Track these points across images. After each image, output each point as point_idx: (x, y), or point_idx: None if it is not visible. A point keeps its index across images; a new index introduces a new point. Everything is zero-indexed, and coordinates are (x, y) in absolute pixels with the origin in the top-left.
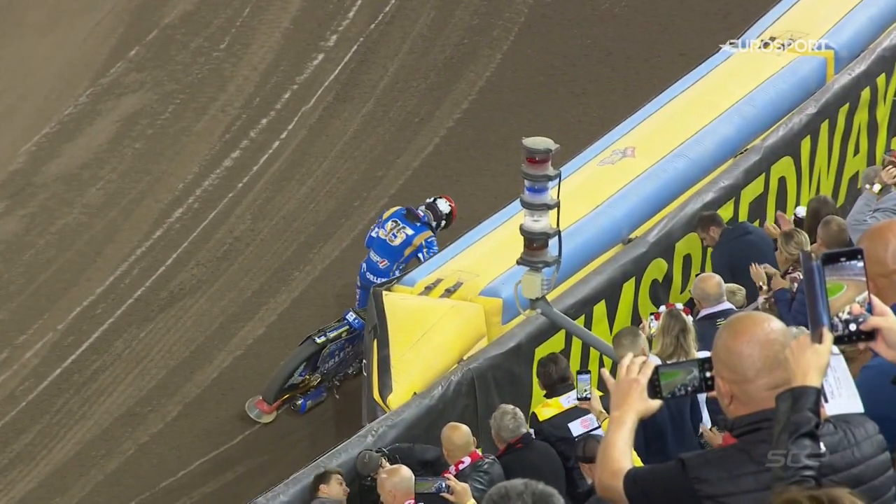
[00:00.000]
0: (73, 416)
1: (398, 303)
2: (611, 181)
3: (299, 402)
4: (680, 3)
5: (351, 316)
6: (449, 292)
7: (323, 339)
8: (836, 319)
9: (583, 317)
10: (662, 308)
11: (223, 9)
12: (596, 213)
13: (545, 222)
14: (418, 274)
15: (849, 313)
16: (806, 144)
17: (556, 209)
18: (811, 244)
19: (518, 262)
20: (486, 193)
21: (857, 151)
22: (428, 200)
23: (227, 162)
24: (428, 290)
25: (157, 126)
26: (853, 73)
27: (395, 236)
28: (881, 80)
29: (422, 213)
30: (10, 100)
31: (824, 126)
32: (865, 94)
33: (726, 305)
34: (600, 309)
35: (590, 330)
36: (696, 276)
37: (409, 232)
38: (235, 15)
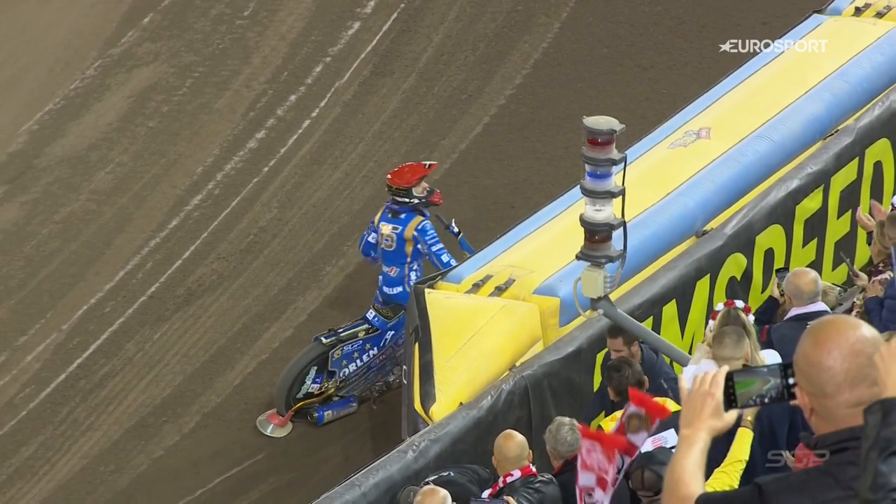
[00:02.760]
0: (80, 426)
1: (442, 302)
2: (683, 166)
3: (315, 413)
4: None
5: (371, 314)
6: (499, 290)
7: (332, 338)
8: None
9: (650, 318)
10: (720, 306)
11: None
12: (666, 201)
13: (608, 212)
14: (465, 270)
15: None
16: None
17: (620, 197)
18: None
19: (577, 257)
20: (541, 179)
21: None
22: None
23: (252, 143)
24: (476, 287)
25: (173, 102)
26: None
27: (388, 240)
28: None
29: (402, 201)
30: (10, 72)
31: None
32: None
33: (820, 306)
34: (670, 310)
35: (658, 333)
36: (777, 270)
37: (397, 229)
38: None
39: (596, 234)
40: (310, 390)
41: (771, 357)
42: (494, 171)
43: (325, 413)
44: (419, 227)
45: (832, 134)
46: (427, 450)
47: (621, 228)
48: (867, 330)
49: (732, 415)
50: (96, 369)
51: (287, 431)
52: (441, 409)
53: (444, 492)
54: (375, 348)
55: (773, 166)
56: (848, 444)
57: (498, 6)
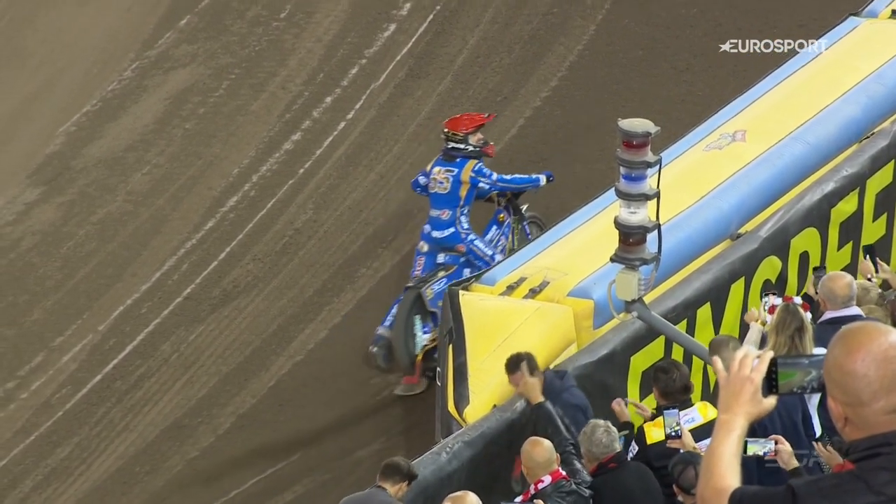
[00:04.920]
0: (115, 427)
1: (476, 304)
2: (718, 168)
3: (439, 368)
4: None
5: (440, 257)
6: (534, 292)
7: (416, 284)
8: None
9: (685, 321)
10: (779, 300)
11: None
12: (701, 204)
13: (643, 214)
14: (499, 272)
15: None
16: None
17: (655, 200)
18: None
19: (612, 260)
20: (576, 182)
21: None
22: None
23: (288, 145)
24: (510, 289)
25: (209, 104)
26: None
27: (443, 183)
28: None
29: (457, 147)
30: (47, 74)
31: None
32: None
33: (855, 310)
34: (705, 313)
35: (693, 337)
36: (814, 269)
37: (452, 171)
38: None
39: (630, 237)
40: (423, 343)
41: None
42: (530, 172)
43: None
44: (475, 168)
45: (868, 137)
46: (460, 452)
47: (656, 231)
48: None
49: (771, 401)
50: (132, 370)
51: (424, 387)
52: (474, 411)
53: (473, 496)
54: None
55: (809, 169)
56: (881, 450)
57: (533, 8)
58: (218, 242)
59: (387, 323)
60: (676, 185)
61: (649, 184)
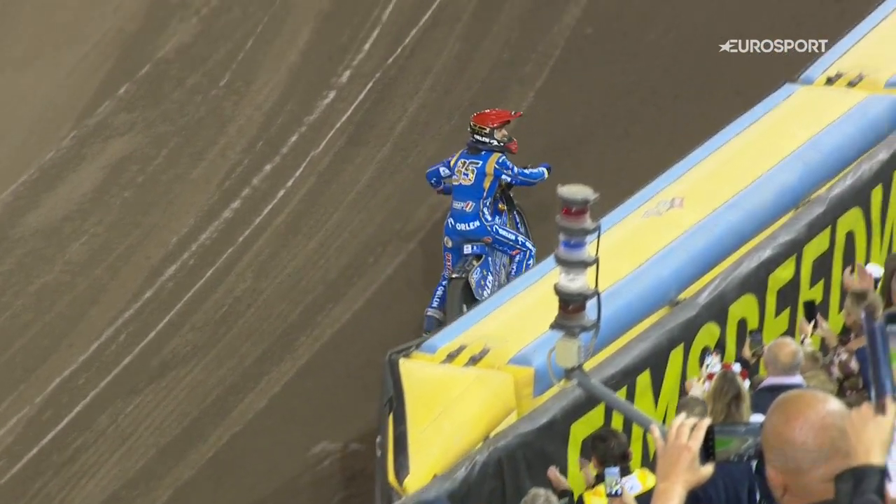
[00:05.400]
0: (52, 501)
1: (416, 372)
2: (657, 235)
3: None
4: (735, 36)
5: (466, 248)
6: (474, 360)
7: (459, 274)
8: None
9: (624, 388)
10: (717, 367)
11: (223, 41)
12: (640, 271)
13: (582, 282)
14: (439, 340)
15: None
16: (877, 194)
17: (594, 267)
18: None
19: (552, 327)
20: None
21: None
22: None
23: (227, 213)
24: (450, 357)
25: (148, 173)
26: None
27: (467, 175)
28: None
29: (483, 141)
30: None
31: None
32: None
33: (797, 379)
34: (644, 380)
35: (633, 403)
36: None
37: (477, 163)
38: (237, 48)
39: (570, 304)
40: None
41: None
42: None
43: None
44: (499, 161)
45: (804, 204)
46: None
47: (595, 298)
48: (835, 403)
49: (709, 469)
50: (69, 442)
51: None
52: (415, 481)
53: None
54: (488, 268)
55: (746, 235)
56: None
57: (473, 76)
58: (156, 312)
59: (434, 304)
60: (616, 251)
61: (588, 251)
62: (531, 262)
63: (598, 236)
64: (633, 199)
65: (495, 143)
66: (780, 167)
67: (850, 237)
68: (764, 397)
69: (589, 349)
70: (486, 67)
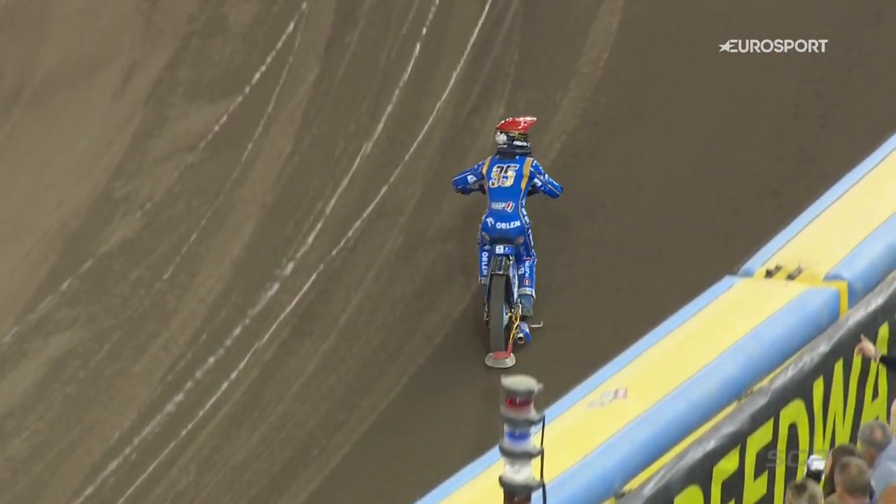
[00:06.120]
0: None
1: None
2: (601, 426)
3: (521, 334)
4: (675, 228)
5: (498, 249)
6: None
7: (503, 271)
8: None
9: None
10: None
11: (167, 235)
12: (584, 463)
13: (527, 473)
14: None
15: None
16: (819, 386)
17: (539, 458)
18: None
19: None
20: (463, 440)
21: (875, 395)
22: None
23: (170, 407)
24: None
25: (90, 368)
26: (869, 307)
27: (507, 177)
28: None
29: (519, 145)
30: None
31: (838, 366)
32: (883, 330)
33: None
34: None
35: None
36: None
37: (515, 166)
38: (181, 241)
39: (515, 496)
40: (506, 324)
41: None
42: (415, 430)
43: (526, 329)
44: (534, 164)
45: (747, 395)
46: None
47: (541, 490)
48: None
49: None
50: None
51: (513, 362)
52: None
53: None
54: (525, 265)
55: (691, 426)
56: None
57: (416, 268)
58: None
59: (484, 273)
60: (560, 443)
61: (533, 442)
62: (534, 269)
63: (543, 427)
64: (577, 390)
65: (528, 146)
66: (723, 358)
67: (792, 429)
68: None
69: None
70: (429, 258)
